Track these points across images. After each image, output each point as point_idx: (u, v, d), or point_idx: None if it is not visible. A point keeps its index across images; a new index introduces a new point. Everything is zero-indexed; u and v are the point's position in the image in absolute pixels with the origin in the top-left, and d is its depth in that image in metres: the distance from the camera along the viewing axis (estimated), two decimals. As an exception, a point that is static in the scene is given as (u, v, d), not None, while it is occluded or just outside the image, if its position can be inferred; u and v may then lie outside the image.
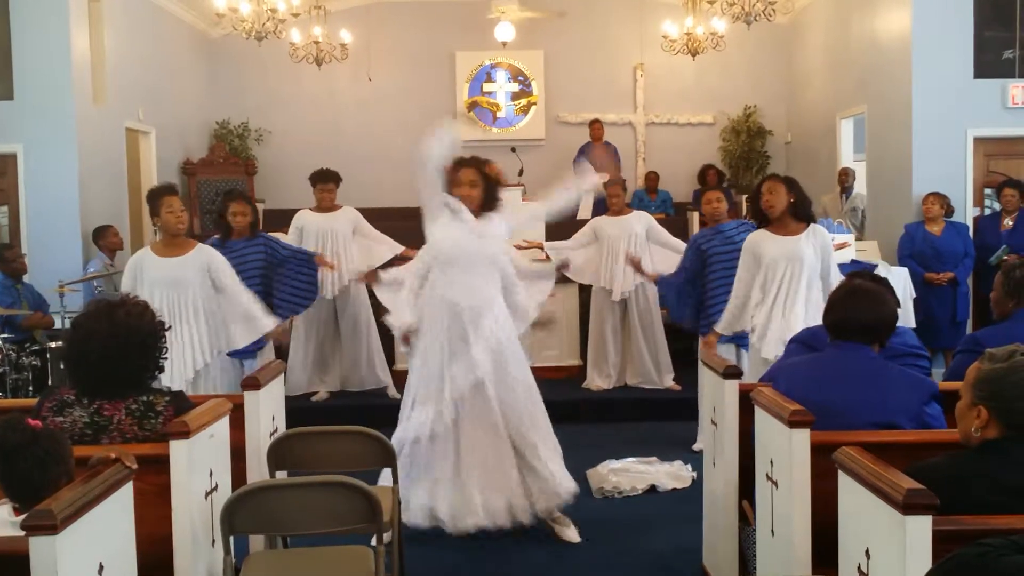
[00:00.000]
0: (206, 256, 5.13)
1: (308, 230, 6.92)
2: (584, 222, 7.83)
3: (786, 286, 4.90)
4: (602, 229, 7.33)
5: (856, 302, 3.20)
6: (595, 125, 11.42)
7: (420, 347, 4.63)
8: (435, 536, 4.64)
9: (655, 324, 7.37)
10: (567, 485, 4.62)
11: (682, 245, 6.86)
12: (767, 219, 5.05)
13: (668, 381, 7.38)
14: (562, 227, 7.53)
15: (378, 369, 7.24)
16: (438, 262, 4.59)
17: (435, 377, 4.53)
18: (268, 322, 5.26)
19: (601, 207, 10.23)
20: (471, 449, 4.52)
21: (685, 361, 7.40)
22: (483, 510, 4.47)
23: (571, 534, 4.69)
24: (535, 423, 4.62)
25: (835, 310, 3.25)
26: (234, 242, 6.10)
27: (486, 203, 4.60)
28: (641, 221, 7.30)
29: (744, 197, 9.58)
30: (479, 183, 4.56)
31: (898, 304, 3.39)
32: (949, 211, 8.08)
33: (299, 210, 7.21)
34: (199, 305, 5.03)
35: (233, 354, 5.88)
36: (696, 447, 6.14)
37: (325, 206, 7.02)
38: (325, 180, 7.01)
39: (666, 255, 7.08)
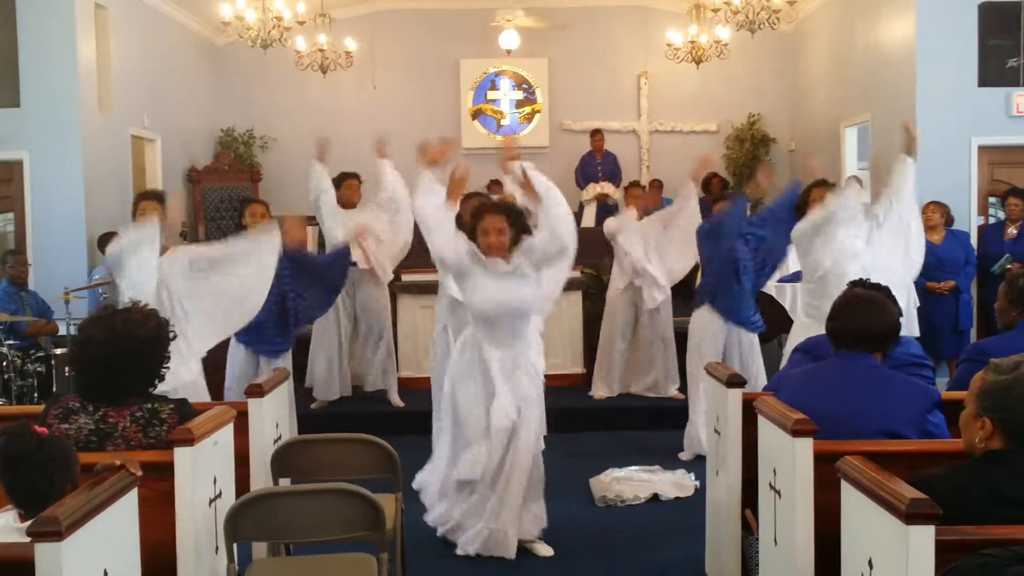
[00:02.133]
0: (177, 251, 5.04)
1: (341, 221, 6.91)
2: (589, 230, 7.82)
3: None
4: (620, 232, 7.28)
5: (855, 311, 3.21)
6: (596, 136, 11.45)
7: (456, 392, 4.62)
8: (439, 545, 4.66)
9: (667, 333, 7.34)
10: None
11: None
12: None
13: (672, 390, 7.36)
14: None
15: (388, 373, 7.26)
16: (477, 321, 4.50)
17: (479, 419, 4.51)
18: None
19: (605, 215, 10.30)
20: (508, 491, 4.52)
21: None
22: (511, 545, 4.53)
23: (543, 549, 4.67)
24: (537, 462, 4.65)
25: (835, 319, 3.25)
26: None
27: (515, 243, 4.41)
28: (655, 223, 7.28)
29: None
30: (507, 229, 4.38)
31: (900, 312, 3.40)
32: (949, 220, 8.06)
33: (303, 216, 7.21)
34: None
35: (258, 349, 5.86)
36: (683, 456, 6.27)
37: (354, 201, 7.10)
38: (350, 176, 7.17)
39: (680, 242, 7.07)
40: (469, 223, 4.53)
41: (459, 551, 4.55)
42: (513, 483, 4.48)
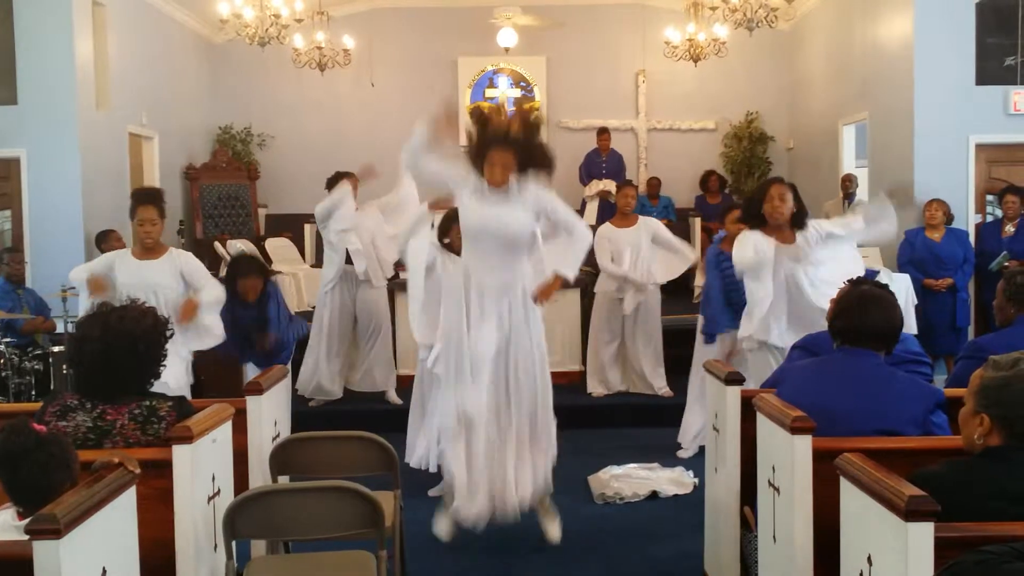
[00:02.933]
0: (179, 260, 5.18)
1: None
2: (590, 228, 7.76)
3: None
4: (608, 239, 7.24)
5: (868, 309, 3.16)
6: (603, 135, 11.48)
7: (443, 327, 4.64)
8: (438, 543, 4.66)
9: (654, 331, 7.33)
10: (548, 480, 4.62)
11: (685, 246, 7.24)
12: (762, 221, 4.87)
13: (661, 389, 7.32)
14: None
15: (387, 373, 7.26)
16: (466, 235, 4.56)
17: (461, 356, 4.46)
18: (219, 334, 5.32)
19: (607, 212, 10.31)
20: (506, 439, 4.47)
21: (678, 369, 7.27)
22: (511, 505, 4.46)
23: (553, 531, 4.67)
24: (546, 408, 4.60)
25: (846, 316, 3.20)
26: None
27: (521, 171, 4.49)
28: (647, 229, 7.22)
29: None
30: (512, 165, 4.43)
31: None
32: (949, 218, 8.08)
33: (300, 214, 7.24)
34: (171, 310, 5.01)
35: (258, 362, 5.97)
36: (681, 453, 6.27)
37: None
38: (345, 176, 7.13)
39: (670, 259, 7.15)
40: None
41: (457, 519, 4.50)
42: (513, 426, 4.43)
